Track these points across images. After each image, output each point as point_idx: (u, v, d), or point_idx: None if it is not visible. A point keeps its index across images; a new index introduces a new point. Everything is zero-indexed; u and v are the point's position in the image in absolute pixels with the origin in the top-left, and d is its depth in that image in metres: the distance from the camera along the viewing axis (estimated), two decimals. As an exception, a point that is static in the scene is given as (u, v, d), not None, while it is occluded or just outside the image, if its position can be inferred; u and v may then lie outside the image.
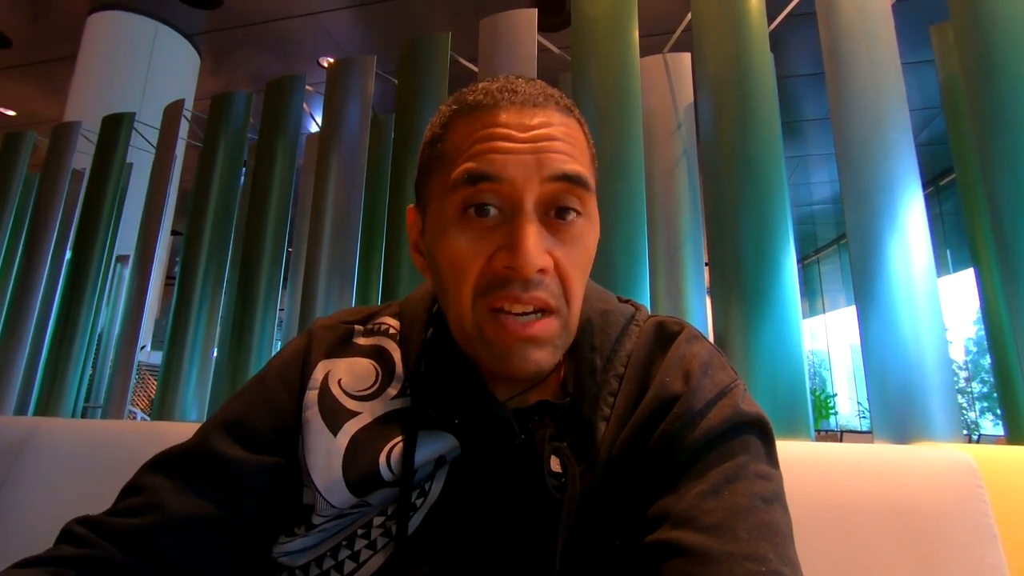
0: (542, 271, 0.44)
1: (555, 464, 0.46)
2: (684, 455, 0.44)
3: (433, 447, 0.48)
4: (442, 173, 0.47)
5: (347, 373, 0.54)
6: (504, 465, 0.47)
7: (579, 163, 0.46)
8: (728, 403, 0.46)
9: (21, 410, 2.08)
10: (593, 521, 0.45)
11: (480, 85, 0.49)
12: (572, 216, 0.46)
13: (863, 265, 1.17)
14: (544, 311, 0.45)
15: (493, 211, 0.45)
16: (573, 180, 0.45)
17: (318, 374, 0.54)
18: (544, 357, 0.45)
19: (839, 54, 1.29)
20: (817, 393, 7.58)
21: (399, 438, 0.49)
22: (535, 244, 0.43)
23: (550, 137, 0.45)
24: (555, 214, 0.46)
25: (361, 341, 0.56)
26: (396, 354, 0.54)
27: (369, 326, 0.58)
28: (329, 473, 0.48)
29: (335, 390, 0.52)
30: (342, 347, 0.56)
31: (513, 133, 0.45)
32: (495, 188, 0.44)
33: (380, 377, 0.53)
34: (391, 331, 0.57)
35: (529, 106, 0.46)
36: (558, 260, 0.45)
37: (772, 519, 0.41)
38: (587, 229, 0.48)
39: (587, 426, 0.48)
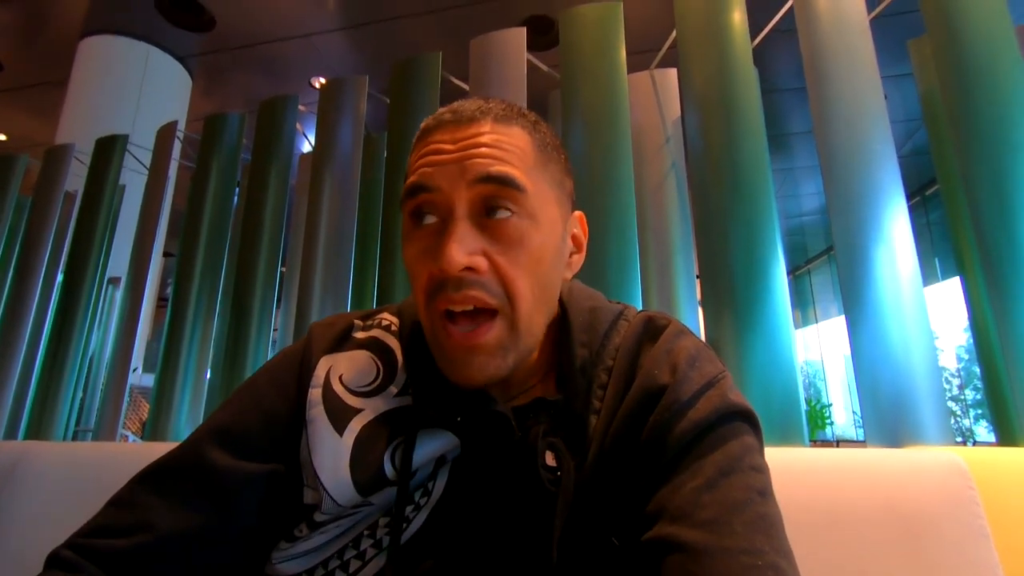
0: (471, 269, 0.46)
1: (550, 459, 0.47)
2: (675, 447, 0.45)
3: (434, 446, 0.49)
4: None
5: (347, 368, 0.54)
6: (503, 462, 0.48)
7: (508, 165, 0.47)
8: (716, 393, 0.47)
9: (11, 434, 2.06)
10: (590, 513, 0.46)
11: (436, 112, 0.52)
12: (504, 215, 0.47)
13: (851, 275, 1.18)
14: (484, 311, 0.46)
15: (429, 218, 0.48)
16: (499, 181, 0.46)
17: (320, 371, 0.54)
18: (492, 363, 0.46)
19: (820, 68, 1.32)
20: (812, 403, 7.57)
21: (403, 437, 0.49)
22: (456, 244, 0.45)
23: (477, 144, 0.48)
24: (486, 213, 0.47)
25: (359, 335, 0.57)
26: (397, 351, 0.55)
27: (368, 322, 0.59)
28: (336, 473, 0.48)
29: (337, 387, 0.53)
30: (342, 342, 0.57)
31: (445, 147, 0.48)
32: (430, 198, 0.48)
33: (381, 373, 0.54)
34: (392, 327, 0.58)
35: (464, 122, 0.49)
36: (495, 259, 0.47)
37: (767, 511, 0.41)
38: (528, 229, 0.48)
39: (579, 420, 0.49)
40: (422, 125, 0.52)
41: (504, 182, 0.47)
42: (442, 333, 0.47)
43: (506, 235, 0.47)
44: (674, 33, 1.53)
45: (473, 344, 0.46)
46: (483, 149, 0.47)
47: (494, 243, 0.47)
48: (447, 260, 0.44)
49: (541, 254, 0.49)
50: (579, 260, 0.57)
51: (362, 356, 0.55)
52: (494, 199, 0.47)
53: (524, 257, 0.48)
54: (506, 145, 0.48)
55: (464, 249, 0.45)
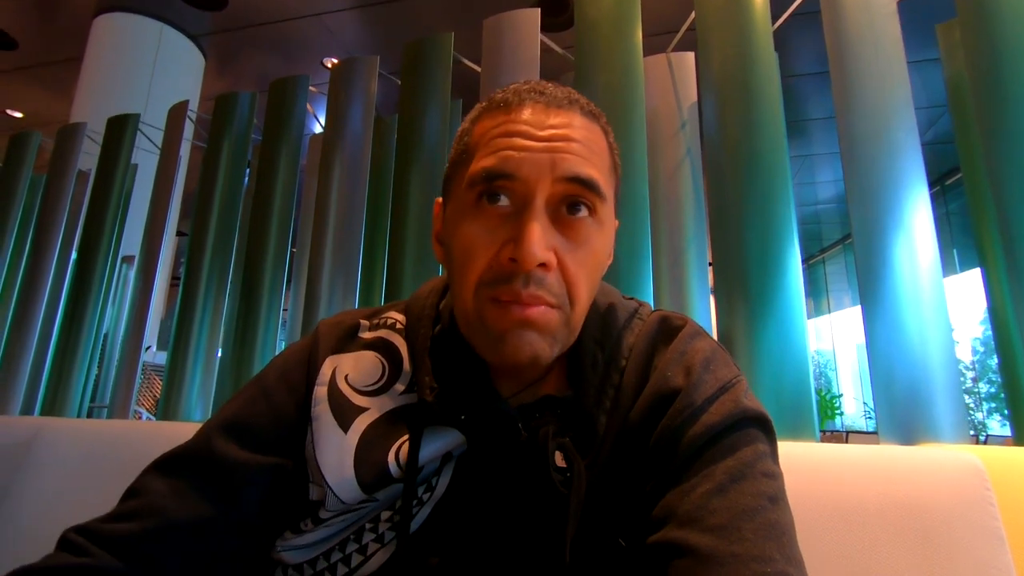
0: (543, 266, 0.44)
1: (559, 459, 0.46)
2: (687, 451, 0.44)
3: (440, 443, 0.49)
4: (464, 166, 0.49)
5: (353, 368, 0.54)
6: (510, 461, 0.48)
7: (595, 168, 0.46)
8: (730, 398, 0.46)
9: (27, 410, 2.09)
10: (599, 514, 0.45)
11: (512, 86, 0.50)
12: (583, 213, 0.46)
13: (868, 265, 1.16)
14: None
15: (504, 200, 0.46)
16: (585, 184, 0.45)
17: (326, 370, 0.54)
18: (540, 344, 0.45)
19: (844, 53, 1.29)
20: (823, 393, 7.54)
21: (407, 436, 0.49)
22: (538, 238, 0.43)
23: (567, 138, 0.46)
24: (566, 210, 0.46)
25: (366, 335, 0.57)
26: (403, 349, 0.55)
27: (375, 321, 0.58)
28: (341, 471, 0.48)
29: (342, 386, 0.53)
30: (348, 342, 0.56)
31: (532, 131, 0.46)
32: (509, 185, 0.45)
33: (387, 372, 0.53)
34: (397, 325, 0.57)
35: (553, 106, 0.47)
36: (563, 259, 0.46)
37: (778, 518, 0.41)
38: (597, 233, 0.48)
39: (589, 419, 0.48)
40: (496, 96, 0.49)
41: (590, 186, 0.46)
42: (493, 311, 0.45)
43: (578, 234, 0.47)
44: (692, 15, 1.49)
45: (528, 317, 0.44)
46: (575, 145, 0.46)
47: (565, 240, 0.46)
48: (526, 254, 0.43)
49: (599, 258, 0.49)
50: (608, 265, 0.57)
51: (368, 356, 0.55)
52: (576, 198, 0.46)
53: (590, 260, 0.47)
54: (593, 145, 0.47)
55: (544, 244, 0.44)
